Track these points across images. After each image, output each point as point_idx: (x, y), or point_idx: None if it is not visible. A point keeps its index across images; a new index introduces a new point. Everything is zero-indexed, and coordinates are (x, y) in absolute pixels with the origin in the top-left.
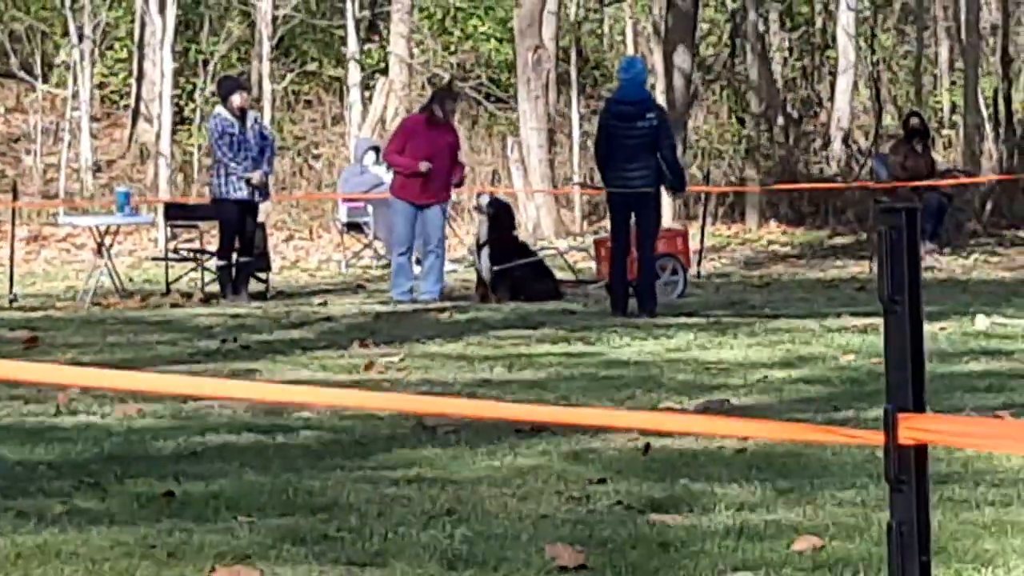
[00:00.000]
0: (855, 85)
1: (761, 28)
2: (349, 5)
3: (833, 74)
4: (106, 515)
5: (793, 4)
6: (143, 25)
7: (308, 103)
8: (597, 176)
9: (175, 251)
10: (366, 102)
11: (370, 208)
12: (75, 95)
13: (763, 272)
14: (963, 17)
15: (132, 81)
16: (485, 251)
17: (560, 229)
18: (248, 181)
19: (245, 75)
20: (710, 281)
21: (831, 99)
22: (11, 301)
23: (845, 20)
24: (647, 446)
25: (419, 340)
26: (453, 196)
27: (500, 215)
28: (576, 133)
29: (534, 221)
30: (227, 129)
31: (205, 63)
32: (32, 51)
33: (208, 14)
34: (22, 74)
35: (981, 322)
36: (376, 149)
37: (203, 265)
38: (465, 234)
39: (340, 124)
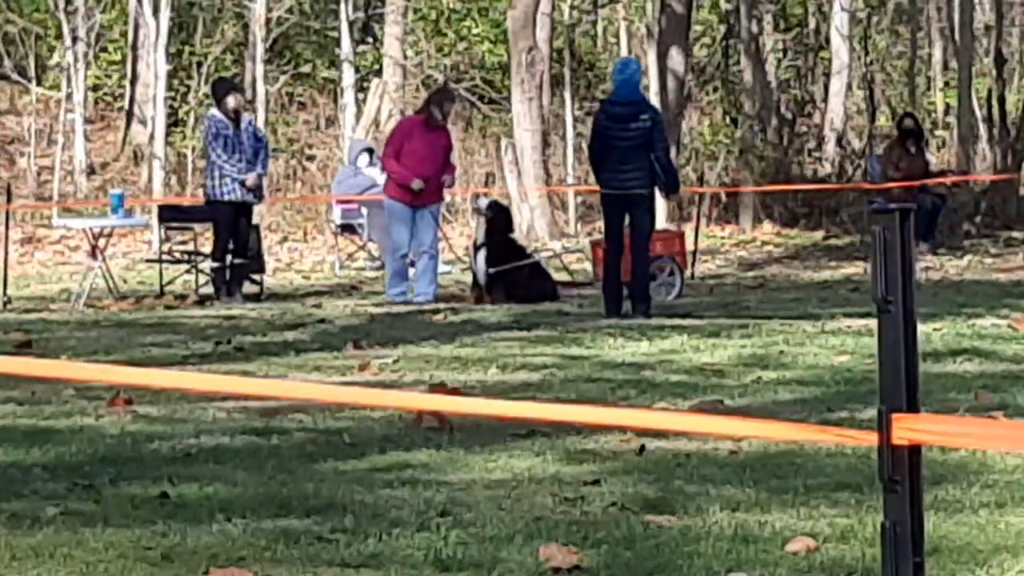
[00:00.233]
0: (849, 86)
1: (755, 29)
2: (343, 7)
3: (827, 75)
4: (100, 517)
5: (787, 5)
6: (137, 27)
7: (302, 105)
8: (591, 178)
9: (169, 253)
10: (360, 104)
11: (364, 210)
12: (69, 97)
13: (757, 273)
14: (957, 18)
15: (126, 83)
16: (482, 253)
17: (554, 231)
18: (242, 183)
19: (239, 77)
20: (704, 282)
21: (825, 100)
22: (5, 303)
23: (839, 21)
24: (641, 447)
25: (413, 342)
26: (447, 197)
27: (498, 218)
28: (570, 135)
29: (528, 223)
30: (222, 131)
31: (199, 65)
32: (26, 53)
33: (202, 16)
34: (16, 76)
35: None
36: (370, 151)
37: (197, 267)
38: (458, 235)
39: (334, 126)
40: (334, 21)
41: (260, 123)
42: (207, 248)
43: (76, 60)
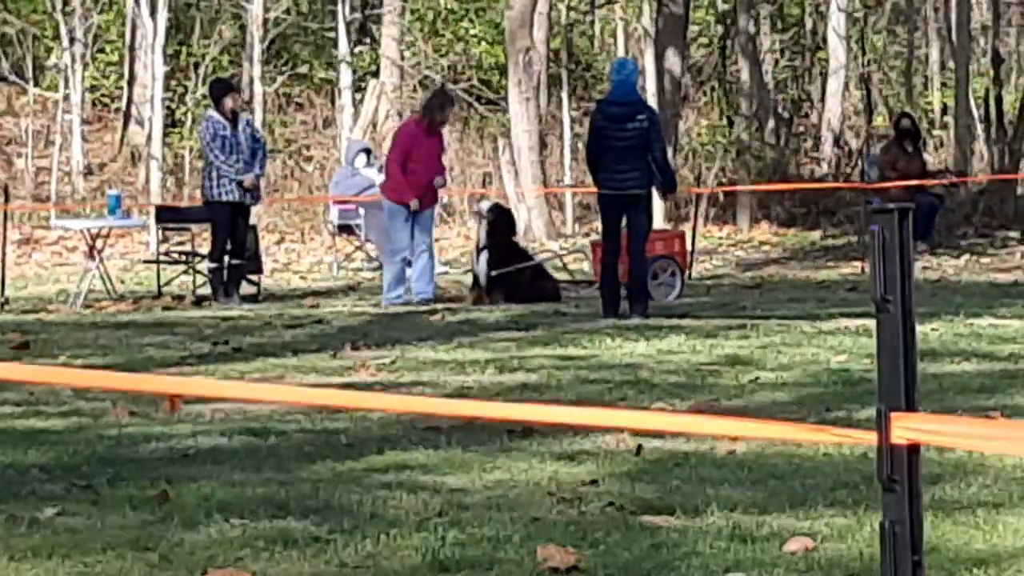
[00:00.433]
0: (846, 86)
1: (752, 29)
2: (340, 8)
3: (824, 75)
4: (98, 518)
5: (784, 5)
6: (134, 28)
7: (299, 106)
8: (589, 179)
9: (167, 254)
10: (357, 104)
11: (361, 210)
12: (66, 98)
13: (754, 273)
14: (954, 18)
15: (123, 84)
16: (484, 255)
17: (551, 231)
18: (240, 184)
19: (236, 78)
20: (701, 283)
21: (822, 100)
22: (2, 304)
23: (836, 21)
24: (639, 447)
25: (411, 342)
26: (444, 198)
27: (499, 220)
28: (568, 135)
29: (525, 223)
30: (219, 132)
31: (196, 66)
32: (23, 54)
33: (199, 17)
34: (13, 77)
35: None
36: (367, 151)
37: (195, 268)
38: (456, 235)
39: (331, 126)
40: (331, 22)
41: (257, 124)
42: (205, 249)
43: (73, 61)
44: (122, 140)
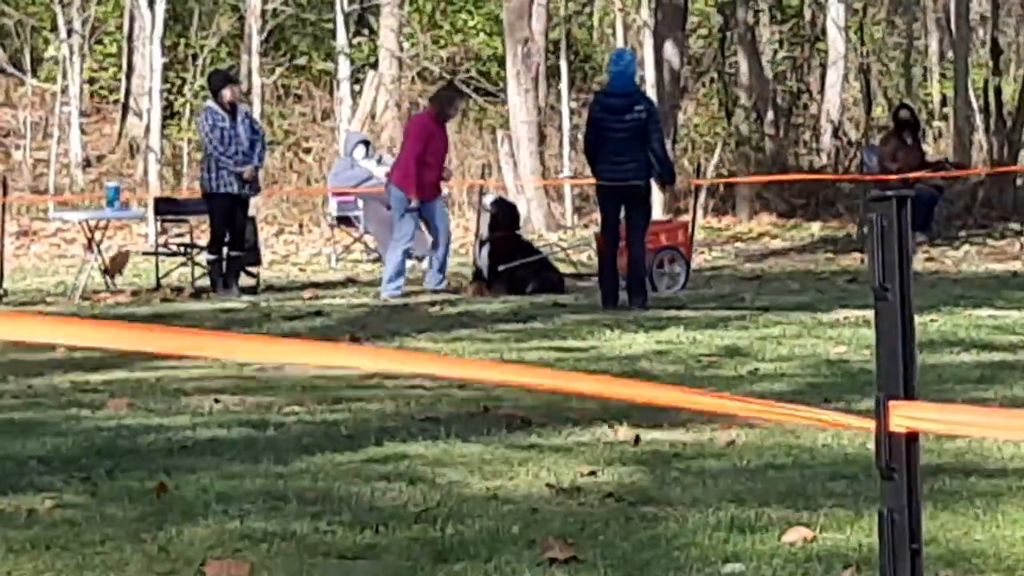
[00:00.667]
0: (845, 77)
1: (751, 20)
2: None
3: (823, 66)
4: (96, 510)
5: None
6: (132, 20)
7: (298, 97)
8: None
9: (165, 246)
10: (356, 96)
11: (360, 202)
12: (64, 90)
13: (754, 265)
14: (953, 8)
15: (122, 76)
16: (486, 248)
17: (551, 222)
18: (239, 175)
19: (235, 69)
20: (701, 274)
21: (821, 91)
22: (1, 296)
23: (835, 12)
24: (637, 438)
25: (410, 334)
26: (445, 190)
27: (502, 214)
28: (566, 126)
29: (525, 215)
30: (218, 123)
31: (194, 57)
32: (21, 46)
33: (197, 8)
34: (11, 69)
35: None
36: (366, 143)
37: (193, 260)
38: (454, 227)
39: (330, 118)
40: (329, 13)
41: (256, 115)
42: (203, 241)
43: (71, 53)
44: (120, 132)
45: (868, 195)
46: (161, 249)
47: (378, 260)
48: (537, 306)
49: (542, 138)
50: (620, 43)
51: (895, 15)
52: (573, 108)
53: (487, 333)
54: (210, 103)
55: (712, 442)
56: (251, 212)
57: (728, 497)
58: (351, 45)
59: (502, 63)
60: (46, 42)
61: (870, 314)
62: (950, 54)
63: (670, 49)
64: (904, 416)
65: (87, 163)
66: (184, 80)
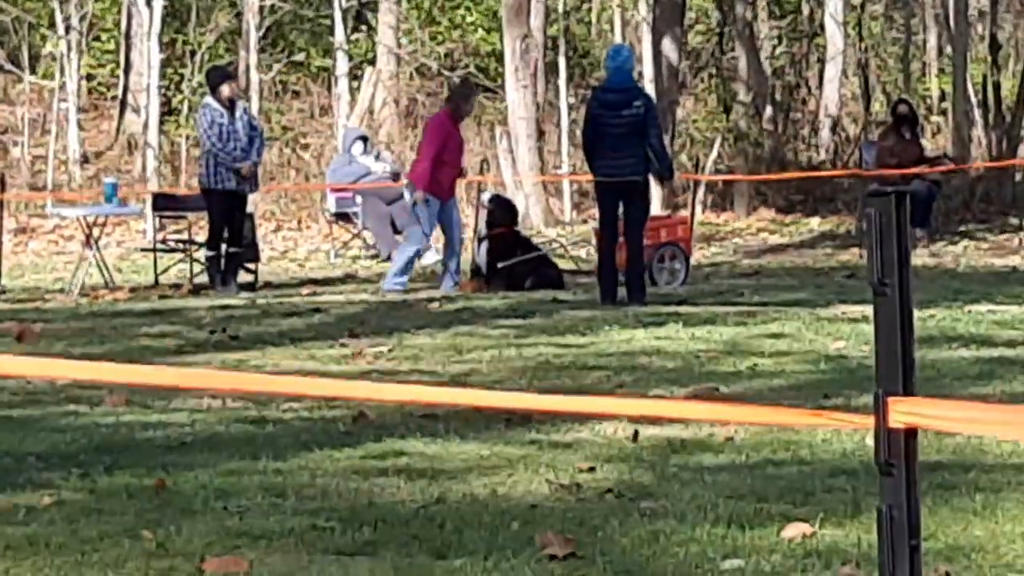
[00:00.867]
0: (844, 72)
1: (749, 16)
2: None
3: (821, 62)
4: (95, 506)
5: None
6: (130, 16)
7: (296, 93)
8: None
9: (163, 242)
10: (354, 92)
11: (358, 198)
12: (62, 86)
13: (752, 260)
14: (951, 4)
15: (119, 72)
16: (484, 245)
17: (549, 218)
18: (237, 171)
19: (232, 66)
20: (699, 270)
21: (819, 87)
22: None
23: (833, 7)
24: (636, 434)
25: (409, 330)
26: None
27: (498, 211)
28: (565, 122)
29: (523, 211)
30: (217, 119)
31: (192, 54)
32: (19, 42)
33: (195, 4)
34: (9, 66)
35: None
36: (364, 139)
37: (191, 256)
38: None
39: (328, 114)
40: (328, 9)
41: (254, 111)
42: (201, 237)
43: (69, 49)
44: (118, 128)
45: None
46: (159, 246)
47: (376, 256)
48: (536, 302)
49: (540, 134)
50: (618, 39)
51: (893, 10)
52: (571, 104)
53: (486, 329)
54: (209, 99)
55: (711, 438)
56: (249, 208)
57: (727, 493)
58: (349, 41)
59: (500, 59)
60: (44, 39)
61: (869, 310)
62: (949, 49)
63: (668, 45)
64: (903, 412)
65: (85, 160)
66: (182, 76)
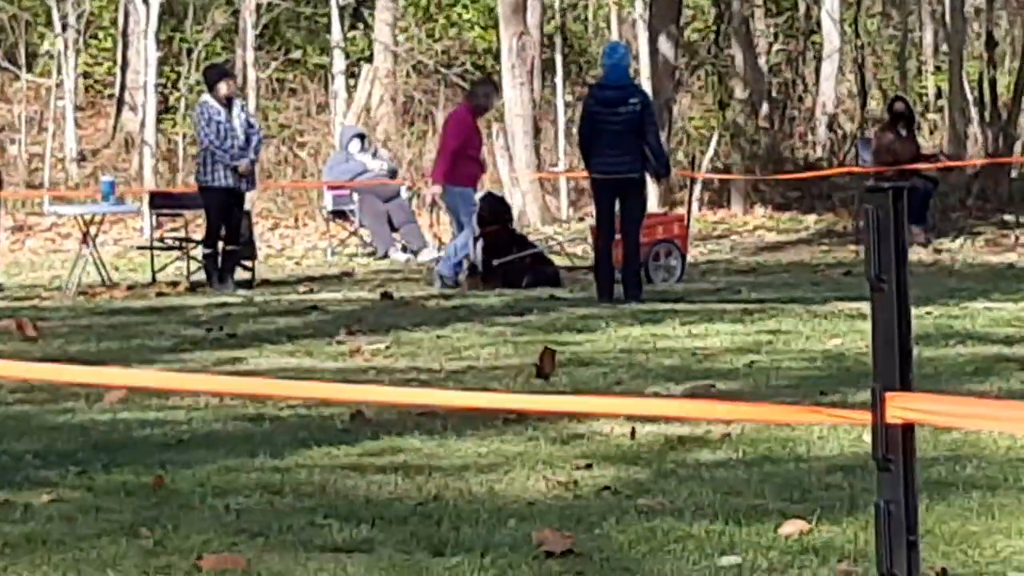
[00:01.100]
0: (840, 70)
1: (746, 13)
2: None
3: (818, 59)
4: (92, 504)
5: None
6: (127, 14)
7: (293, 91)
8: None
9: (161, 240)
10: (351, 90)
11: (355, 196)
12: (59, 84)
13: (749, 258)
14: (947, 1)
15: (116, 70)
16: (480, 242)
17: (546, 216)
18: (235, 169)
19: (229, 63)
20: (696, 267)
21: (816, 84)
22: None
23: (830, 5)
24: (633, 431)
25: (406, 327)
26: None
27: (490, 209)
28: (561, 120)
29: (520, 208)
30: (214, 117)
31: (189, 52)
32: (16, 40)
33: (192, 2)
34: (6, 64)
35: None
36: (361, 136)
37: (189, 254)
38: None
39: (325, 112)
40: (324, 7)
41: (251, 109)
42: (198, 235)
43: (66, 47)
44: (115, 126)
45: (864, 186)
46: (156, 243)
47: (373, 254)
48: (533, 299)
49: (537, 131)
50: (615, 36)
51: (890, 7)
52: (568, 101)
53: (483, 327)
54: (206, 97)
55: (708, 434)
56: (246, 206)
57: (724, 490)
58: (346, 39)
59: (497, 57)
60: (41, 37)
61: (866, 306)
62: (945, 47)
63: (664, 42)
64: (900, 407)
65: (82, 158)
66: (179, 74)
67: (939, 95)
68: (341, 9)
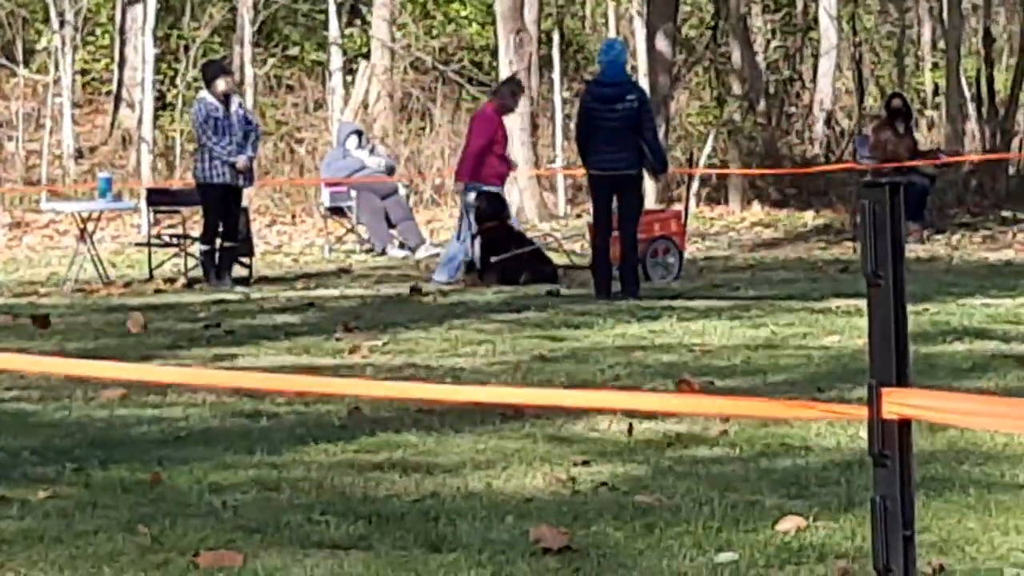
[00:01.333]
0: (838, 66)
1: (743, 10)
2: None
3: (815, 56)
4: (89, 500)
5: None
6: (124, 11)
7: (290, 88)
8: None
9: (158, 237)
10: (348, 86)
11: (353, 192)
12: (57, 81)
13: (746, 254)
14: None
15: (114, 67)
16: (477, 240)
17: (543, 212)
18: (233, 166)
19: (227, 60)
20: (694, 264)
21: (813, 80)
22: None
23: (827, 1)
24: (630, 427)
25: (403, 325)
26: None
27: (486, 207)
28: (559, 116)
29: (517, 205)
30: (212, 113)
31: (187, 48)
32: (13, 37)
33: None
34: (3, 60)
35: None
36: (359, 133)
37: (186, 250)
38: (447, 217)
39: (322, 108)
40: (322, 3)
41: (248, 106)
42: (196, 232)
43: (64, 44)
44: (113, 123)
45: (861, 182)
46: (154, 240)
47: (371, 251)
48: (530, 296)
49: (534, 128)
50: (612, 33)
51: (888, 4)
52: (566, 98)
53: (481, 323)
54: (204, 94)
55: (706, 431)
56: (244, 203)
57: (721, 486)
58: (343, 35)
59: (495, 53)
60: (38, 33)
61: (863, 303)
62: (942, 43)
63: (662, 38)
64: (897, 403)
65: (79, 154)
66: (176, 71)
67: (936, 92)
68: (339, 5)
